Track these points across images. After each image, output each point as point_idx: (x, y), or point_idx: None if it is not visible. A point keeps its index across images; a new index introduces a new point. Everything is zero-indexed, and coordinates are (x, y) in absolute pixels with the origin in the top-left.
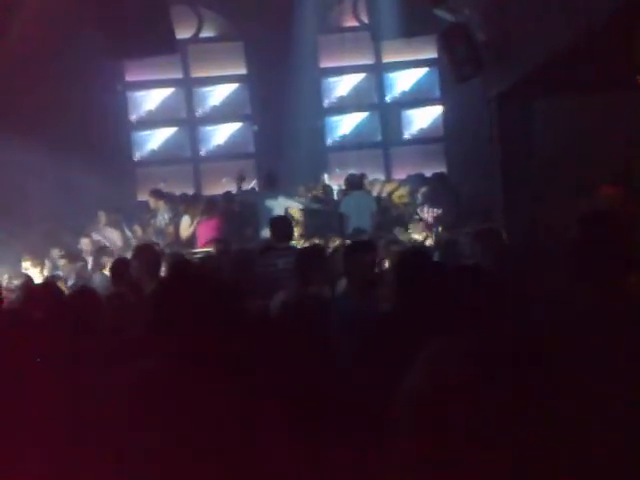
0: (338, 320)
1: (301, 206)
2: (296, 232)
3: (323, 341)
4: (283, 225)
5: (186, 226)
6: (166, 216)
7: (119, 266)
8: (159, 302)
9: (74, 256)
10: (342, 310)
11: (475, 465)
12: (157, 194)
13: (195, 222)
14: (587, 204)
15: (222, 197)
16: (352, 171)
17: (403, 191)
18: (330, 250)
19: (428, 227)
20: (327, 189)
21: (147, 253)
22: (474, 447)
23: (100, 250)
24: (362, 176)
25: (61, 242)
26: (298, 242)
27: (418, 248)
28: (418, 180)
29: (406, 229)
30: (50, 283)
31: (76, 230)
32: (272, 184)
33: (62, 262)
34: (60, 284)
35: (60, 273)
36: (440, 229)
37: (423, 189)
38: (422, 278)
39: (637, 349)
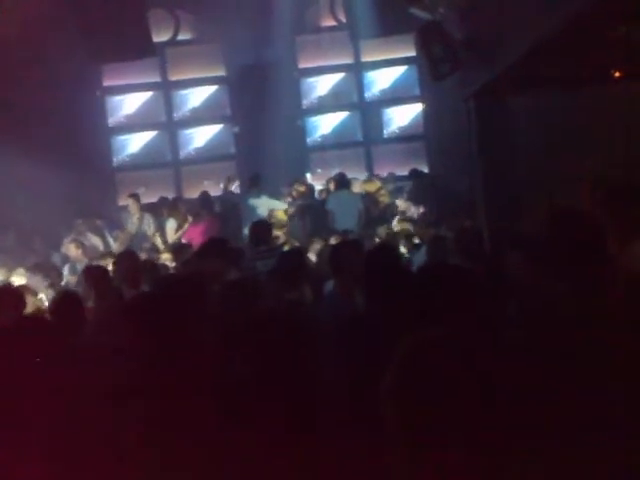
0: (327, 320)
1: (285, 206)
2: (281, 234)
3: (306, 343)
4: (261, 228)
5: (172, 230)
6: (150, 221)
7: (95, 273)
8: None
9: (45, 268)
10: (331, 309)
11: (460, 464)
12: (136, 198)
13: (186, 226)
14: (566, 201)
15: (202, 199)
16: (334, 171)
17: (384, 190)
18: (315, 251)
19: (413, 225)
20: (310, 187)
21: (127, 260)
22: (455, 445)
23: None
24: (343, 175)
25: (35, 251)
26: (285, 244)
27: (385, 245)
28: (399, 178)
29: (389, 227)
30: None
31: (53, 237)
32: (256, 185)
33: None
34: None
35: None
36: (424, 226)
37: (407, 187)
38: (389, 275)
39: (617, 342)
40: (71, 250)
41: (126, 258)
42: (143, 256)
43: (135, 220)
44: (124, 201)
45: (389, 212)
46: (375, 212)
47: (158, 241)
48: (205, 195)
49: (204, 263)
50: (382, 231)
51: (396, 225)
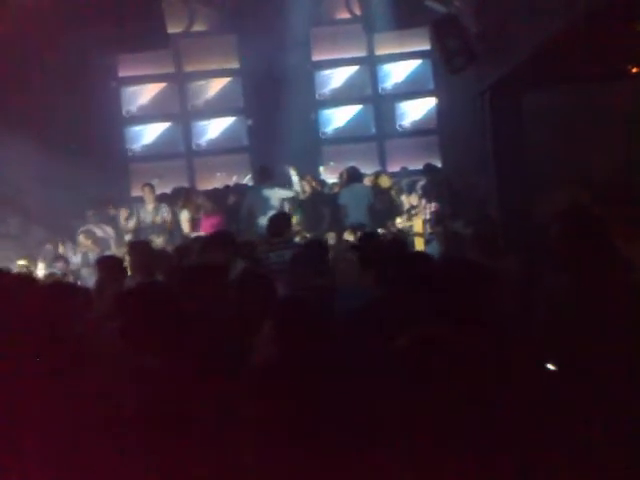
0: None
1: (294, 194)
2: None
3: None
4: (278, 220)
5: (186, 221)
6: (166, 210)
7: (109, 263)
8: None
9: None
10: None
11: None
12: (151, 187)
13: (201, 217)
14: (580, 196)
15: (216, 192)
16: (347, 164)
17: (396, 186)
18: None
19: (427, 221)
20: (320, 182)
21: (140, 250)
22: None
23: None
24: (355, 169)
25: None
26: (297, 235)
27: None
28: (413, 173)
29: (401, 220)
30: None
31: (66, 227)
32: (266, 177)
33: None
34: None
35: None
36: (436, 222)
37: (420, 183)
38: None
39: (626, 337)
40: (81, 240)
41: (139, 248)
42: (158, 245)
43: (150, 209)
44: (138, 192)
45: (400, 207)
46: (384, 206)
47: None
48: (219, 188)
49: (209, 256)
50: (391, 226)
51: (406, 221)
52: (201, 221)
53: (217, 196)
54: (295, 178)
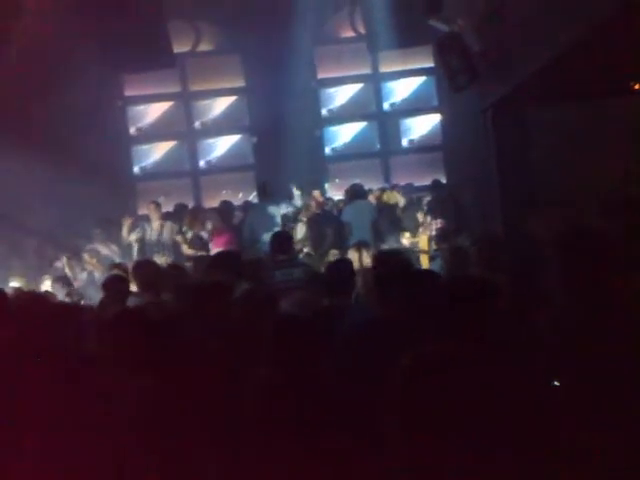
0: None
1: (294, 209)
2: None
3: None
4: (282, 239)
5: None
6: (172, 228)
7: (115, 282)
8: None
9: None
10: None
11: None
12: (157, 205)
13: (212, 235)
14: (582, 213)
15: (222, 210)
16: (353, 181)
17: (402, 200)
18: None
19: (432, 237)
20: (328, 200)
21: (145, 268)
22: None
23: None
24: (358, 186)
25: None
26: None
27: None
28: (418, 189)
29: (408, 235)
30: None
31: (72, 246)
32: (267, 194)
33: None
34: None
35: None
36: (442, 238)
37: (426, 199)
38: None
39: (629, 350)
40: (86, 259)
41: (144, 266)
42: (164, 263)
43: (156, 227)
44: (144, 210)
45: (407, 221)
46: (388, 223)
47: (180, 239)
48: (225, 205)
49: (215, 276)
50: (401, 239)
51: (411, 238)
52: (212, 239)
53: (224, 212)
54: (297, 193)
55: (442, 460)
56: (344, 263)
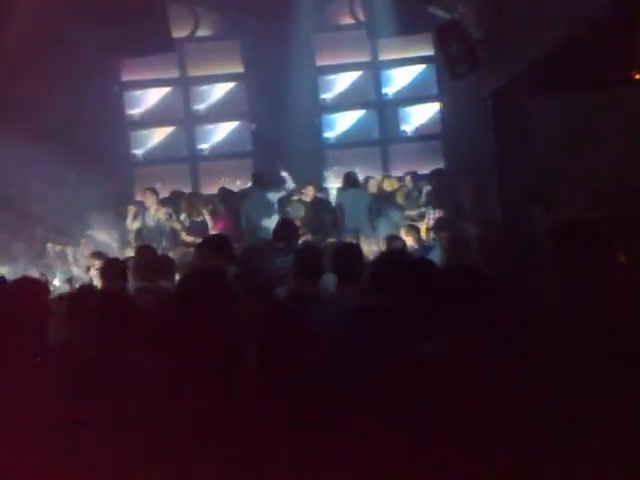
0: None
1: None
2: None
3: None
4: (283, 226)
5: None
6: (169, 214)
7: (113, 266)
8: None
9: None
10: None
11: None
12: (154, 192)
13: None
14: (581, 203)
15: (222, 196)
16: (350, 169)
17: (402, 190)
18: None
19: (430, 228)
20: (323, 189)
21: (145, 255)
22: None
23: None
24: (352, 174)
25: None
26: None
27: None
28: (416, 177)
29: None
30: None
31: (69, 231)
32: (259, 183)
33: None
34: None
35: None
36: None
37: (426, 189)
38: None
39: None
40: (82, 245)
41: (143, 253)
42: (161, 250)
43: (153, 213)
44: (141, 196)
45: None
46: (384, 211)
47: (177, 226)
48: (224, 191)
49: (203, 260)
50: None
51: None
52: (212, 225)
53: (223, 199)
54: (285, 174)
55: (436, 457)
56: (313, 250)
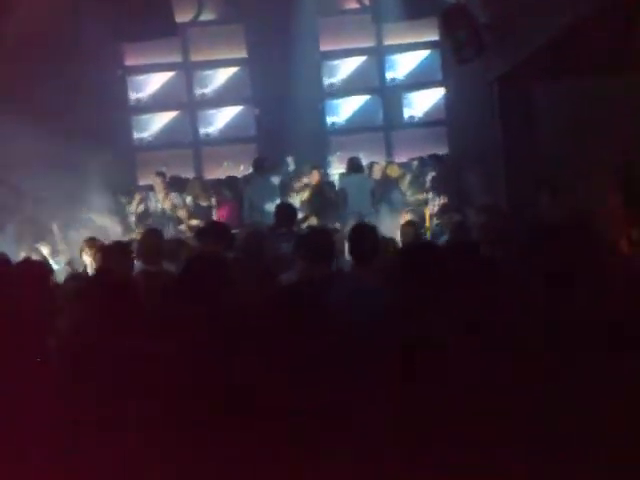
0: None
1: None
2: (304, 208)
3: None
4: (286, 211)
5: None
6: (176, 199)
7: (117, 248)
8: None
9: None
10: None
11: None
12: (162, 176)
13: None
14: (586, 189)
15: (228, 182)
16: (353, 154)
17: (407, 177)
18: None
19: (433, 214)
20: (326, 174)
21: (152, 238)
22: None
23: None
24: (355, 159)
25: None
26: (304, 222)
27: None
28: (422, 163)
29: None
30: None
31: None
32: (260, 169)
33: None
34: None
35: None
36: (444, 213)
37: (430, 175)
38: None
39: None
40: (82, 228)
41: (149, 236)
42: (168, 234)
43: (160, 198)
44: (145, 180)
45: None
46: (388, 197)
47: (183, 214)
48: (229, 177)
49: (202, 246)
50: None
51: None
52: (216, 210)
53: (229, 184)
54: (289, 159)
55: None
56: (324, 233)
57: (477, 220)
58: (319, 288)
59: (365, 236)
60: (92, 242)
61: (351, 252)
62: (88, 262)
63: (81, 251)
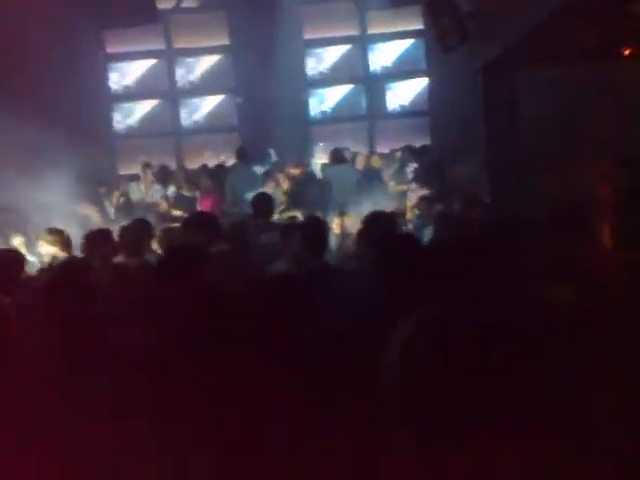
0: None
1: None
2: (286, 199)
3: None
4: (264, 201)
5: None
6: (157, 191)
7: (97, 237)
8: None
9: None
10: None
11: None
12: (148, 167)
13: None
14: (571, 178)
15: (212, 172)
16: (336, 144)
17: (389, 167)
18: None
19: (414, 205)
20: (305, 169)
21: (138, 229)
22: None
23: None
24: (345, 150)
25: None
26: (286, 212)
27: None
28: (405, 154)
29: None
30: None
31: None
32: (243, 159)
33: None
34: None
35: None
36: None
37: (412, 166)
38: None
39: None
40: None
41: (136, 227)
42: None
43: (142, 188)
44: (125, 170)
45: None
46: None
47: (164, 207)
48: (215, 167)
49: (188, 237)
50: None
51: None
52: (199, 200)
53: (213, 174)
54: (271, 151)
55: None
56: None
57: (467, 213)
58: (313, 279)
59: (319, 230)
60: (55, 232)
61: (308, 246)
62: (44, 252)
63: (37, 239)
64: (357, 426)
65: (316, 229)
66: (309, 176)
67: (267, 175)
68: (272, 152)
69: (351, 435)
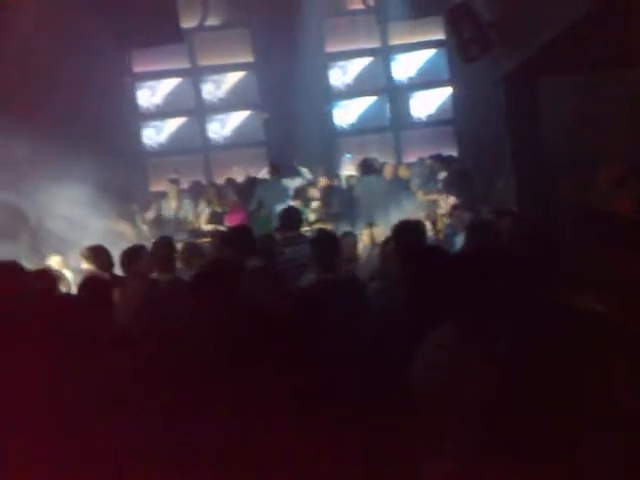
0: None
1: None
2: (317, 213)
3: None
4: (291, 214)
5: (205, 216)
6: (189, 206)
7: (128, 256)
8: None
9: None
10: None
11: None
12: (176, 183)
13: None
14: (596, 183)
15: (242, 187)
16: (362, 156)
17: (417, 177)
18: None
19: (444, 215)
20: (336, 176)
21: (165, 246)
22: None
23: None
24: (373, 161)
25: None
26: (316, 224)
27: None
28: (434, 163)
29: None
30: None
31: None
32: (276, 173)
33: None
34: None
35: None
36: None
37: (441, 175)
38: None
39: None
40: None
41: (164, 244)
42: (181, 241)
43: (173, 205)
44: (156, 187)
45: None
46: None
47: (195, 222)
48: (243, 182)
49: (223, 252)
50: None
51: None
52: (227, 216)
53: (241, 189)
54: (304, 170)
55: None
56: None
57: (497, 223)
58: (321, 293)
59: (327, 244)
60: (96, 250)
61: (316, 261)
62: (69, 276)
63: (80, 257)
64: (388, 436)
65: (325, 244)
66: (337, 188)
67: (299, 191)
68: (306, 170)
69: (383, 445)
